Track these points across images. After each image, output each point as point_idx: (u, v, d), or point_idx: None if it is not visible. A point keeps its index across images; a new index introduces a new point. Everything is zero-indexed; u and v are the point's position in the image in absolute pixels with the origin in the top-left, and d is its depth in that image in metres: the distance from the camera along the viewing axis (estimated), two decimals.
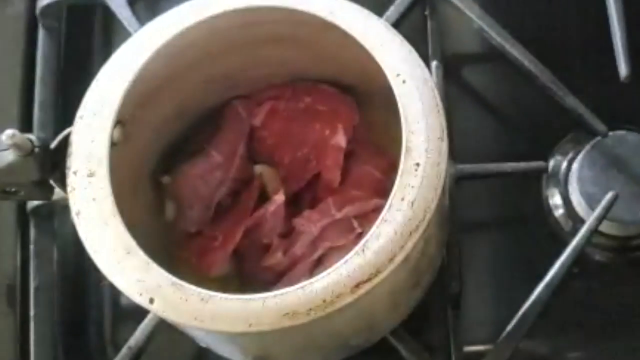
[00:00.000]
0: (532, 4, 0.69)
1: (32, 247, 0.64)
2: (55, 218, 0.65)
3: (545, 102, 0.63)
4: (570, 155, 0.62)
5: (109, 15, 0.66)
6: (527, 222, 0.64)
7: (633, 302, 0.61)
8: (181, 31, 0.51)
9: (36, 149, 0.50)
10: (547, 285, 0.57)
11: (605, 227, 0.60)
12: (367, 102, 0.59)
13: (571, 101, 0.62)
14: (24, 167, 0.51)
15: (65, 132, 0.51)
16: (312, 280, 0.45)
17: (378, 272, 0.45)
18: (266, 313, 0.45)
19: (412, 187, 0.46)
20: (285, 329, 0.45)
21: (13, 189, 0.52)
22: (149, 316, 0.58)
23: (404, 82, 0.49)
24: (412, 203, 0.46)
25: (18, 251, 0.64)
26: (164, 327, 0.58)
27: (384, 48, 0.50)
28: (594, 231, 0.59)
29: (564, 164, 0.63)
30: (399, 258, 0.45)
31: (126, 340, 0.58)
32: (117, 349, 0.59)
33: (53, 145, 0.51)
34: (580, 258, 0.58)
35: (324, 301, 0.45)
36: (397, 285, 0.50)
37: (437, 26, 0.66)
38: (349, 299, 0.45)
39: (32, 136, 0.51)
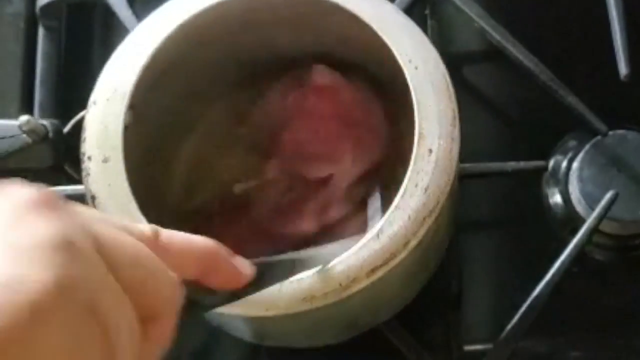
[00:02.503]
0: (532, 4, 0.69)
1: None
2: None
3: (546, 102, 0.63)
4: (570, 154, 0.62)
5: (109, 15, 0.66)
6: (527, 221, 0.64)
7: (633, 302, 0.61)
8: (191, 16, 0.52)
9: (50, 135, 0.51)
10: (547, 285, 0.57)
11: (605, 226, 0.60)
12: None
13: (571, 100, 0.62)
14: (38, 152, 0.52)
15: (78, 117, 0.51)
16: (329, 265, 0.46)
17: (393, 256, 0.46)
18: (282, 297, 0.45)
19: (426, 173, 0.47)
20: (300, 312, 0.46)
21: (26, 175, 0.53)
22: None
23: (416, 68, 0.49)
24: (426, 189, 0.47)
25: None
26: None
27: (397, 33, 0.50)
28: (594, 230, 0.59)
29: (564, 163, 0.62)
30: (413, 243, 0.46)
31: None
32: None
33: (66, 129, 0.52)
34: (580, 257, 0.58)
35: (340, 285, 0.45)
36: (409, 268, 0.51)
37: (438, 25, 0.66)
38: (364, 283, 0.45)
39: (45, 122, 0.51)
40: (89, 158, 0.49)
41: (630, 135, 0.61)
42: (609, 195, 0.59)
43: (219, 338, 0.62)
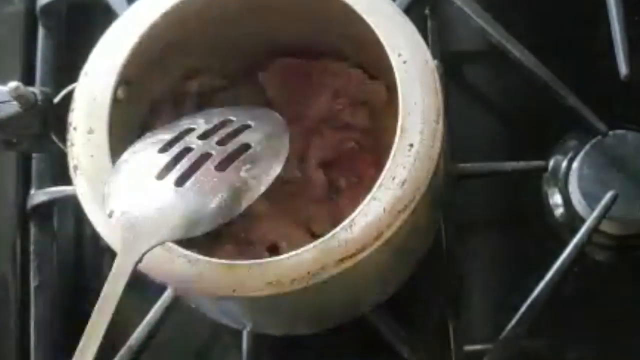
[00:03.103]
0: (532, 3, 0.69)
1: (32, 247, 0.64)
2: (55, 218, 0.65)
3: (546, 101, 0.63)
4: (570, 154, 0.62)
5: (109, 15, 0.66)
6: (527, 221, 0.64)
7: (633, 302, 0.61)
8: None
9: (39, 103, 0.51)
10: (547, 285, 0.57)
11: (605, 226, 0.60)
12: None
13: (571, 100, 0.62)
14: (26, 119, 0.52)
15: (69, 88, 0.52)
16: (298, 251, 0.46)
17: (363, 248, 0.46)
18: (250, 280, 0.45)
19: (404, 167, 0.47)
20: (269, 297, 0.46)
21: (14, 140, 0.53)
22: (149, 316, 0.58)
23: (404, 62, 0.49)
24: (403, 183, 0.47)
25: (18, 251, 0.64)
26: (163, 326, 0.58)
27: (388, 26, 0.50)
28: (594, 230, 0.59)
29: (564, 163, 0.63)
30: (386, 236, 0.46)
31: (126, 340, 0.58)
32: (117, 349, 0.59)
33: (56, 100, 0.52)
34: (580, 257, 0.58)
35: (308, 273, 0.45)
36: (382, 262, 0.51)
37: (438, 25, 0.66)
38: (332, 272, 0.45)
39: (35, 90, 0.52)
40: (75, 128, 0.50)
41: (630, 135, 0.61)
42: (609, 195, 0.59)
43: (219, 338, 0.63)
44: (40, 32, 0.69)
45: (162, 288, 0.58)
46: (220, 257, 0.47)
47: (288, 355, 0.62)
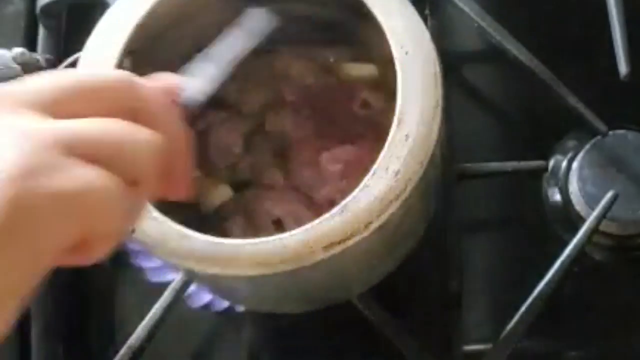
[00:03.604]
0: (532, 4, 0.69)
1: None
2: None
3: (546, 102, 0.63)
4: (570, 154, 0.63)
5: None
6: (527, 221, 0.64)
7: (633, 302, 0.61)
8: None
9: (44, 69, 0.51)
10: (547, 285, 0.57)
11: (605, 226, 0.60)
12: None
13: (571, 100, 0.62)
14: None
15: (73, 57, 0.52)
16: (289, 233, 0.46)
17: (352, 235, 0.46)
18: (240, 258, 0.46)
19: (398, 157, 0.47)
20: (257, 276, 0.46)
21: None
22: (149, 315, 0.58)
23: (407, 53, 0.49)
24: (396, 173, 0.47)
25: None
26: (164, 326, 0.58)
27: (392, 17, 0.50)
28: (594, 230, 0.59)
29: (564, 163, 0.63)
30: (375, 224, 0.46)
31: (126, 339, 0.58)
32: (117, 348, 0.59)
33: (61, 68, 0.52)
34: (580, 257, 0.58)
35: (297, 255, 0.46)
36: (372, 250, 0.51)
37: (438, 25, 0.66)
38: (320, 256, 0.46)
39: (39, 56, 0.52)
40: None
41: (630, 135, 0.61)
42: (609, 195, 0.59)
43: (219, 337, 0.63)
44: (41, 32, 0.69)
45: (162, 288, 0.59)
46: (230, 229, 0.48)
47: (288, 355, 0.62)
